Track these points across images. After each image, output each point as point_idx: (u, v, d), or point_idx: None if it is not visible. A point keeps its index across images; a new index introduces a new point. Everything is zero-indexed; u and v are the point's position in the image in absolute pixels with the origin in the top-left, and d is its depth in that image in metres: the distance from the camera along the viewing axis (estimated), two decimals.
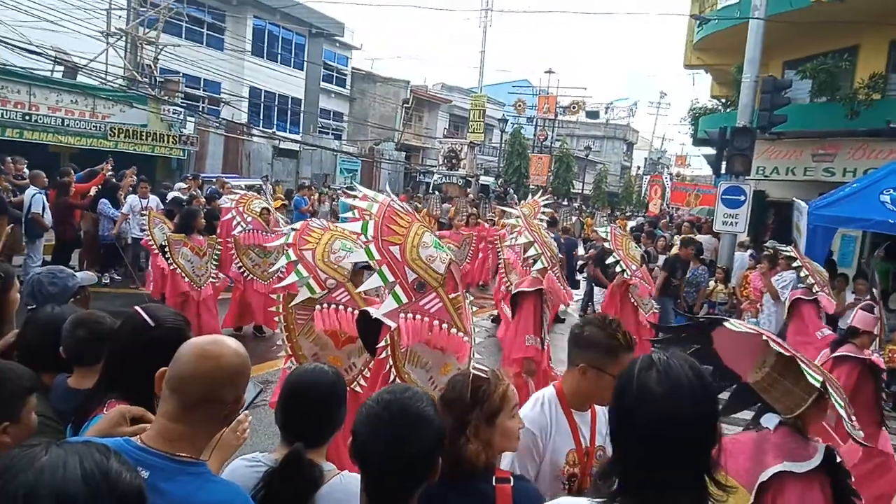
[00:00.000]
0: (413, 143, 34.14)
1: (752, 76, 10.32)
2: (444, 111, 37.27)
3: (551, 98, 35.20)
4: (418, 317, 2.93)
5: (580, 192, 41.22)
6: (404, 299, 2.93)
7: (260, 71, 24.26)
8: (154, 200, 9.95)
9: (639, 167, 53.95)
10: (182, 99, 18.97)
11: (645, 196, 36.67)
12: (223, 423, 1.56)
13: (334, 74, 30.54)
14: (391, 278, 2.94)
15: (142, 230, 9.05)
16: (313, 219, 4.45)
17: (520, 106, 35.71)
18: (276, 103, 25.87)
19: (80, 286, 2.91)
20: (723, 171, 10.70)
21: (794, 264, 6.79)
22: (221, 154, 21.43)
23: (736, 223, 10.12)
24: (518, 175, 34.54)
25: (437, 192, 26.28)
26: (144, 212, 9.07)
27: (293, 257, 3.62)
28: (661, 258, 9.44)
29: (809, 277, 6.57)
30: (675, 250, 9.39)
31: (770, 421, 2.20)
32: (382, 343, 3.01)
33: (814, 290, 6.55)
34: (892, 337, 7.46)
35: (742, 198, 10.02)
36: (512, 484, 1.79)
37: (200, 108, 21.67)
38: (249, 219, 7.40)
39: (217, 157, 21.15)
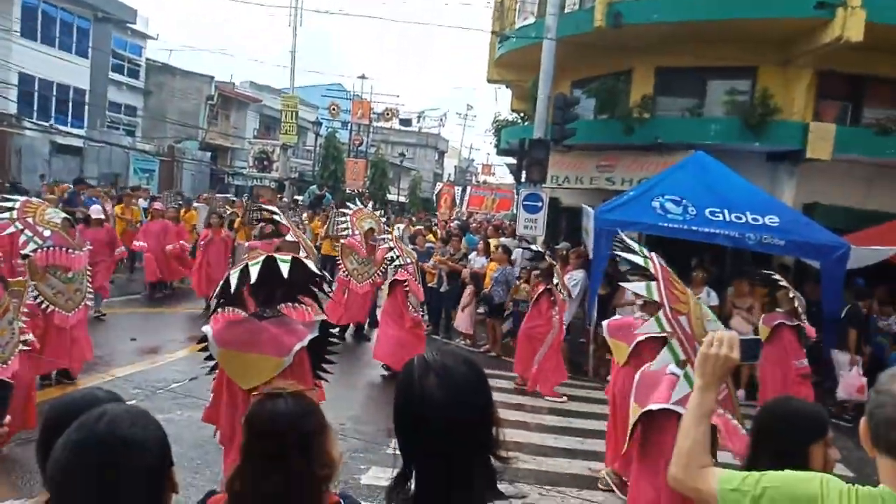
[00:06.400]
0: (220, 142, 32.17)
1: (546, 93, 11.26)
2: (254, 111, 35.69)
3: (365, 103, 35.35)
4: (728, 415, 2.58)
5: (396, 197, 41.88)
6: None
7: (33, 56, 21.17)
8: None
9: (450, 174, 56.32)
10: None
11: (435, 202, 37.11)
12: None
13: (125, 64, 27.69)
14: (682, 356, 2.54)
15: None
16: None
17: (334, 109, 35.33)
18: (55, 93, 22.81)
19: None
20: (523, 179, 11.53)
21: (789, 293, 6.52)
22: None
23: (535, 227, 11.00)
24: (334, 179, 34.14)
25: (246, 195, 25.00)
26: None
27: None
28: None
29: (796, 300, 6.51)
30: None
31: None
32: None
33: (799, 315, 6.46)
34: None
35: (539, 204, 10.92)
36: None
37: None
38: (47, 233, 5.80)
39: None
